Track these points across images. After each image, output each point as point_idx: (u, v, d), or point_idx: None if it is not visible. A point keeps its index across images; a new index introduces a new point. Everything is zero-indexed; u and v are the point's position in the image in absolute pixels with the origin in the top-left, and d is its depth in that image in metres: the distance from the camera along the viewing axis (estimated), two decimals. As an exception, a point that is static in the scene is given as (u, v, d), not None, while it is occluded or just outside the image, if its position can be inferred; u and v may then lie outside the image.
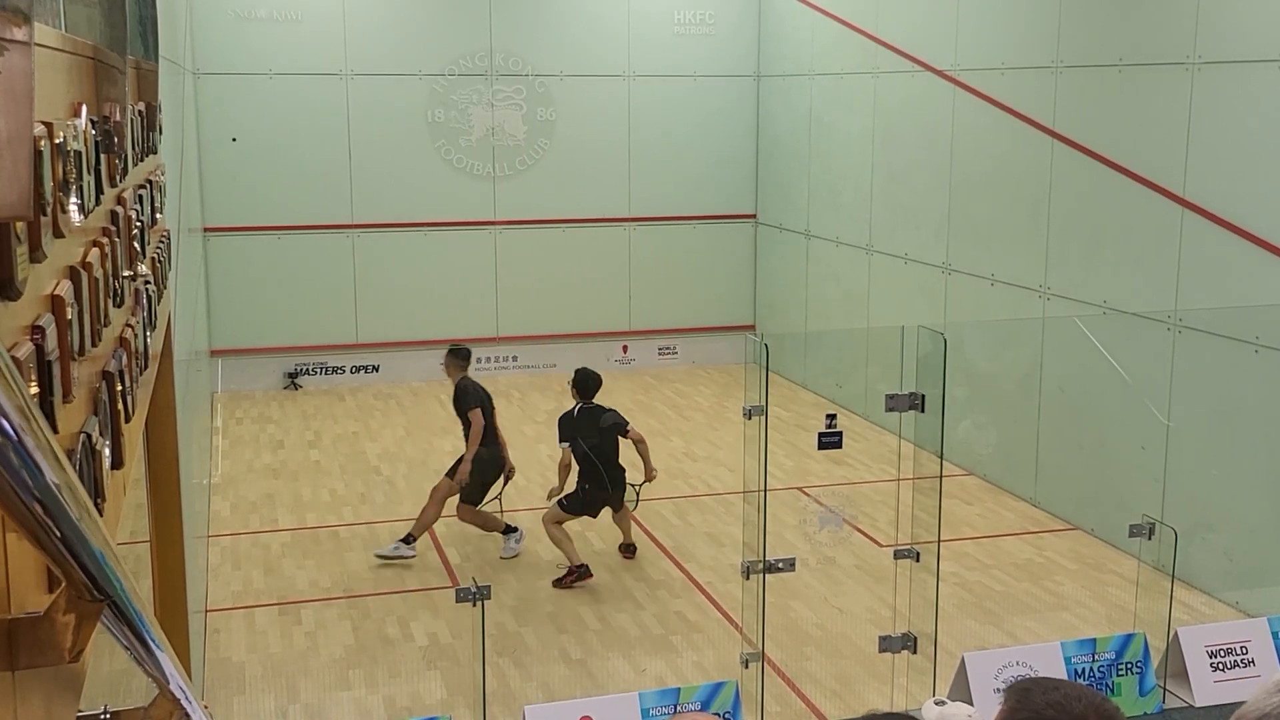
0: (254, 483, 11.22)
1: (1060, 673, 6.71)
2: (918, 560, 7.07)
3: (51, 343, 1.81)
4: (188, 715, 1.92)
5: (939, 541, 7.08)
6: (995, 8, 10.93)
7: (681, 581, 8.98)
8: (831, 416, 7.41)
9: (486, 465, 9.37)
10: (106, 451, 2.26)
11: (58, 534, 1.34)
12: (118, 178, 3.10)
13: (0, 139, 1.38)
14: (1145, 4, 9.11)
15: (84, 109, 2.41)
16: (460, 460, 9.36)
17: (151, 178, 4.50)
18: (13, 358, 1.56)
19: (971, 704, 6.34)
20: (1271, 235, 8.07)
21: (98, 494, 2.06)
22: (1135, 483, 9.19)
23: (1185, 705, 7.03)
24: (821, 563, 9.14)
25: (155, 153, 4.96)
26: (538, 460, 11.75)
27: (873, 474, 11.22)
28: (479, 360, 14.86)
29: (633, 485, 9.30)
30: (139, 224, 3.56)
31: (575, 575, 8.86)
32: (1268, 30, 8.05)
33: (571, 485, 9.09)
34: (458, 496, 9.36)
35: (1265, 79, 8.06)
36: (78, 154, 2.14)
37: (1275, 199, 8.05)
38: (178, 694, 1.88)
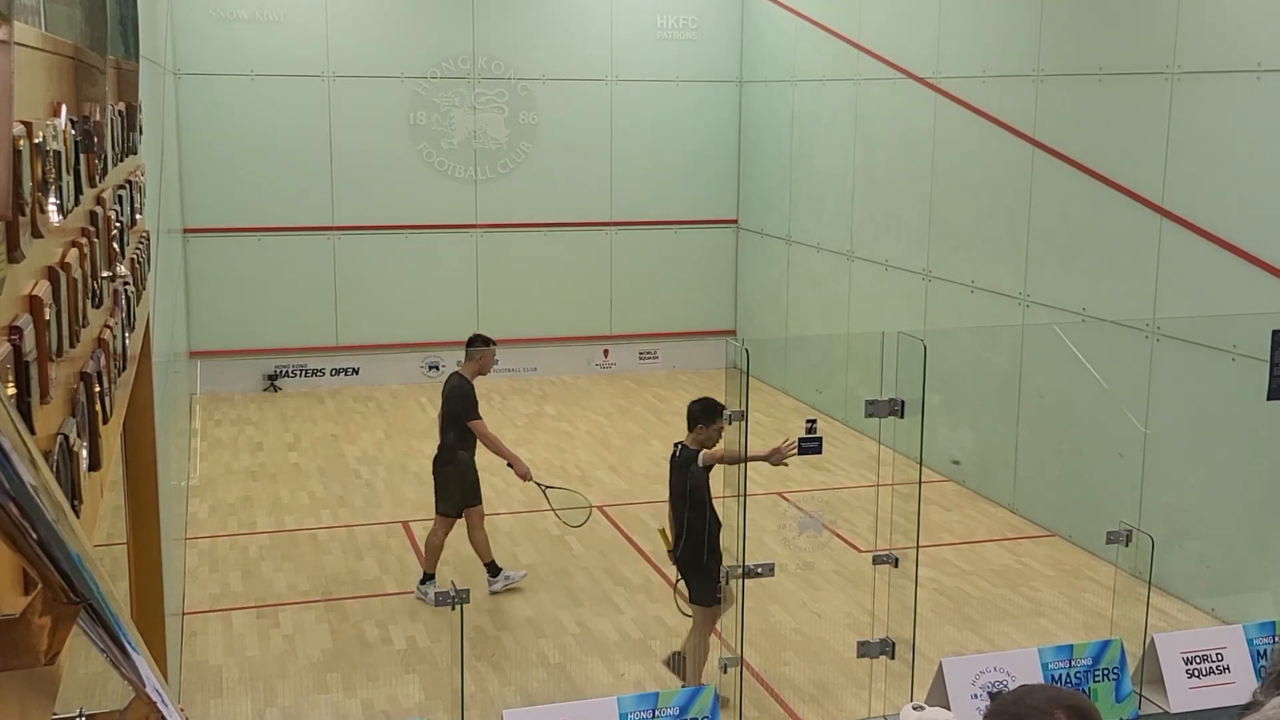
0: (232, 485, 11.18)
1: (1037, 679, 6.73)
2: (896, 566, 7.09)
3: (29, 343, 1.80)
4: (164, 718, 1.91)
5: (918, 547, 7.10)
6: (977, 16, 10.97)
7: (660, 586, 8.98)
8: (811, 422, 7.42)
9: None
10: (84, 453, 2.25)
11: (34, 536, 1.33)
12: (97, 178, 3.09)
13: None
14: (1125, 14, 9.16)
15: (64, 109, 2.39)
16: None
17: (131, 178, 4.48)
18: (-10, 358, 1.55)
19: (949, 709, 6.36)
20: (1249, 244, 8.13)
21: (75, 496, 2.05)
22: (1112, 490, 9.23)
23: (1161, 711, 7.06)
24: (801, 568, 9.16)
25: (135, 153, 4.94)
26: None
27: (852, 479, 11.25)
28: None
29: None
30: (118, 224, 3.55)
31: None
32: (1246, 40, 8.11)
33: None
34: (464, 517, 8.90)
35: (1244, 89, 8.12)
36: (57, 154, 2.13)
37: (1253, 208, 8.11)
38: (154, 697, 1.87)
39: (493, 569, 8.85)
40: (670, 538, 7.43)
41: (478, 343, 9.08)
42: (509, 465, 8.79)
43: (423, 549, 9.05)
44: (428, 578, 8.79)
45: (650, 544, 9.78)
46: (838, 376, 13.02)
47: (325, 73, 14.14)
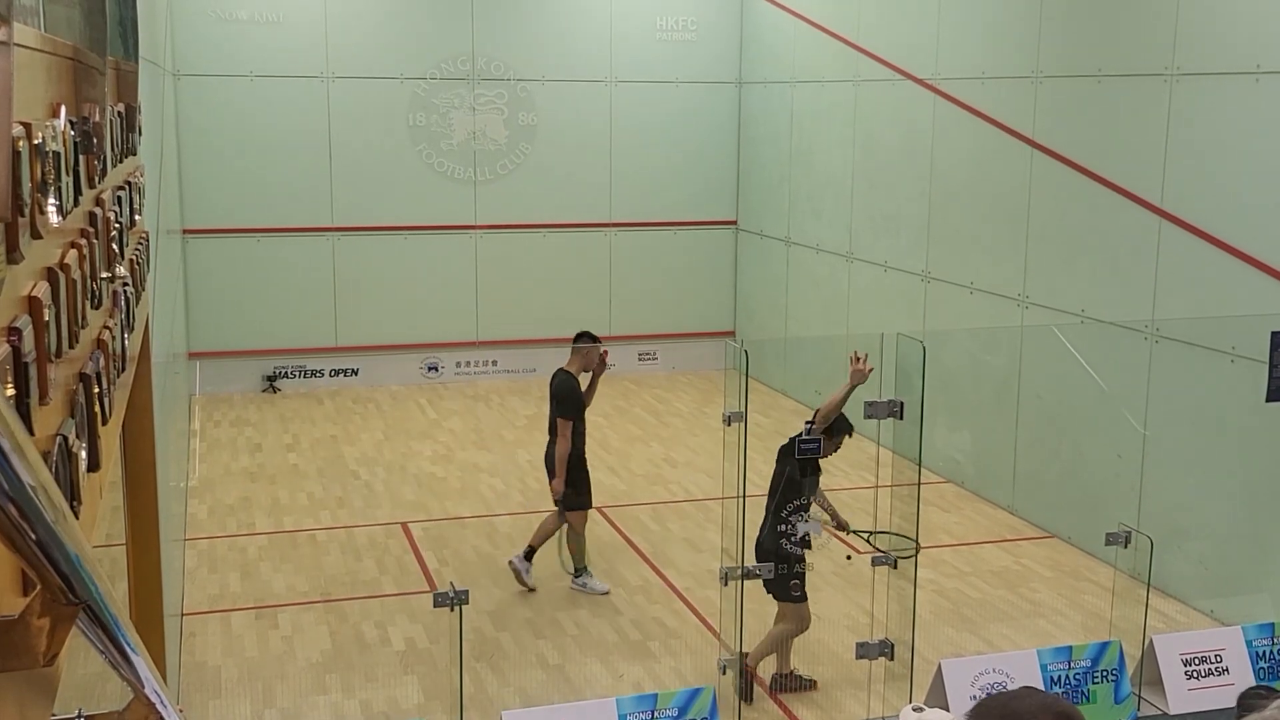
0: (231, 486, 11.17)
1: (1036, 680, 6.74)
2: (895, 567, 7.10)
3: (28, 344, 1.80)
4: (163, 719, 1.91)
5: (916, 548, 7.10)
6: (976, 17, 10.97)
7: (660, 587, 8.98)
8: (810, 423, 7.43)
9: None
10: (83, 454, 2.25)
11: (33, 536, 1.33)
12: (97, 179, 3.09)
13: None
14: (1124, 15, 9.17)
15: (63, 109, 2.39)
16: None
17: (131, 179, 4.48)
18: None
19: (948, 711, 6.36)
20: (1249, 245, 8.13)
21: (74, 497, 2.05)
22: (1111, 491, 9.23)
23: (1160, 713, 7.06)
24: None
25: (134, 154, 4.94)
26: (516, 465, 11.74)
27: (851, 481, 11.24)
28: (458, 365, 14.89)
29: None
30: (118, 225, 3.55)
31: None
32: (1245, 42, 8.11)
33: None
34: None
35: (1242, 90, 8.12)
36: (56, 155, 2.13)
37: (1252, 210, 8.11)
38: (153, 698, 1.87)
39: (529, 553, 8.78)
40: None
41: (584, 339, 8.90)
42: (551, 475, 8.77)
43: (568, 546, 8.88)
44: (581, 570, 8.83)
45: (650, 544, 9.79)
46: (837, 377, 12.96)
47: (325, 73, 14.14)
